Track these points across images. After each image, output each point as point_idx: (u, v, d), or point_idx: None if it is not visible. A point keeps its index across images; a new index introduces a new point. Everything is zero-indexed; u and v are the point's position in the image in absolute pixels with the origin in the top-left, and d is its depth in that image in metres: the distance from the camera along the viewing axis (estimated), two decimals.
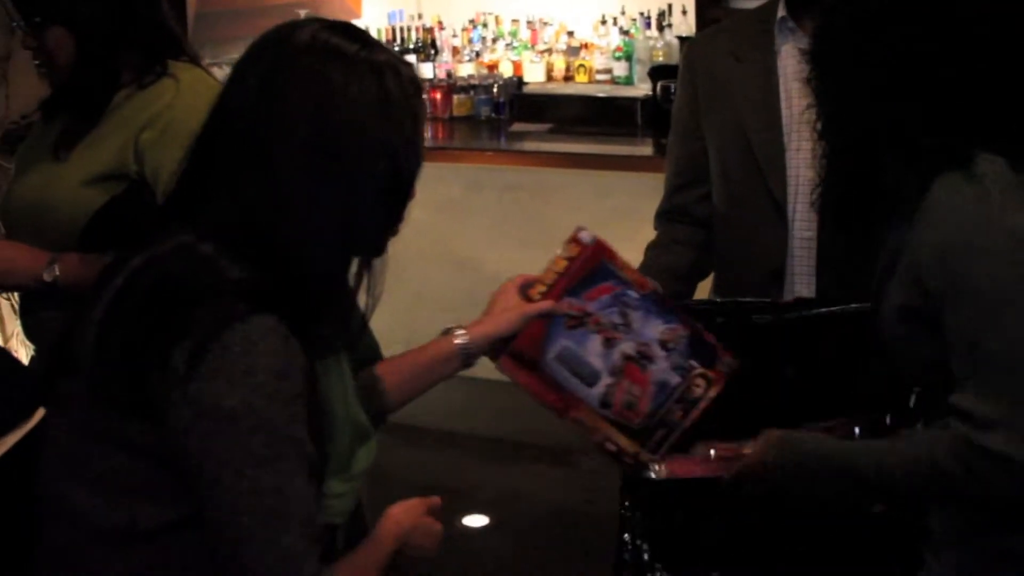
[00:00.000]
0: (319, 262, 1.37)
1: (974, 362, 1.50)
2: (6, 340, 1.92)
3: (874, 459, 1.60)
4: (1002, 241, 1.48)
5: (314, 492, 1.34)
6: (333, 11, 5.41)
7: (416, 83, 1.43)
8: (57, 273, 2.06)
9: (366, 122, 1.36)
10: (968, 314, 1.50)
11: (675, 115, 2.40)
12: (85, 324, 1.38)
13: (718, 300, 2.20)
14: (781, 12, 2.24)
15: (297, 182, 1.34)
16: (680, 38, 4.56)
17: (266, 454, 1.27)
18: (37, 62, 2.14)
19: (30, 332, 2.23)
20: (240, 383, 1.26)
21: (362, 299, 1.50)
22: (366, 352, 1.60)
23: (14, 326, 2.56)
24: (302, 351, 1.32)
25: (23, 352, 3.59)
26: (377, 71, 1.37)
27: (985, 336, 1.49)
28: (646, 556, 1.85)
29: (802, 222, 2.19)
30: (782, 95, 2.23)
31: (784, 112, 2.23)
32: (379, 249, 1.46)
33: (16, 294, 2.48)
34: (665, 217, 2.38)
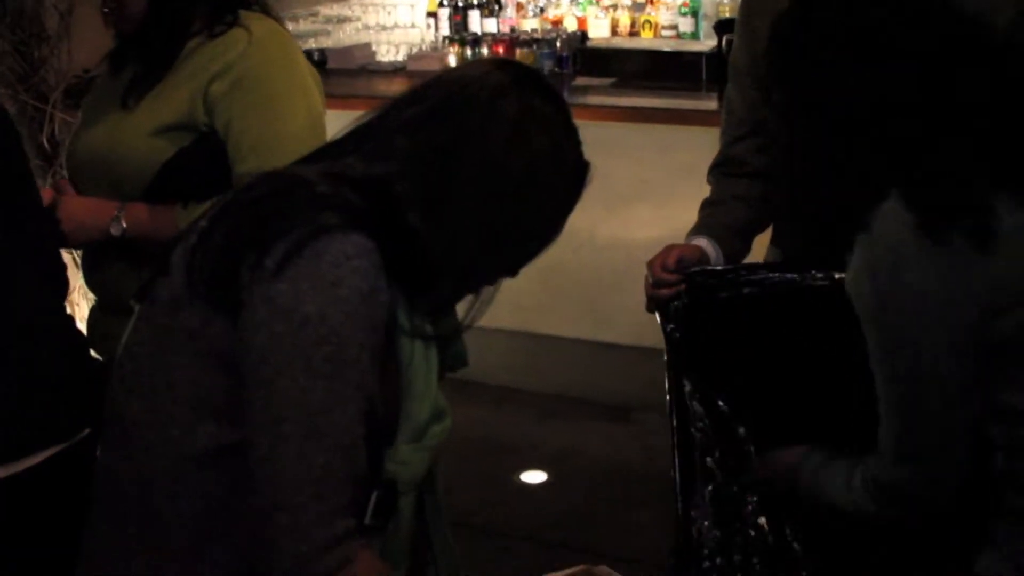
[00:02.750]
0: (444, 241, 1.39)
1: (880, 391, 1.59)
2: (68, 294, 1.90)
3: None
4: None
5: (363, 432, 1.32)
6: None
7: (587, 168, 1.54)
8: (124, 226, 2.06)
9: (558, 180, 1.48)
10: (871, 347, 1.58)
11: (732, 63, 2.35)
12: (190, 233, 1.39)
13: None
14: None
15: (464, 180, 1.39)
16: None
17: (326, 369, 1.27)
18: (106, 9, 2.11)
19: (95, 287, 2.23)
20: (322, 291, 1.26)
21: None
22: (455, 361, 1.60)
23: (77, 280, 2.56)
24: (389, 291, 1.33)
25: (84, 305, 3.63)
26: (563, 146, 1.49)
27: (879, 370, 1.56)
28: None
29: None
30: None
31: None
32: (490, 281, 1.51)
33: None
34: (720, 171, 2.32)
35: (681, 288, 2.03)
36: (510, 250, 1.48)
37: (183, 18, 2.08)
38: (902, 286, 1.50)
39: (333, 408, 1.28)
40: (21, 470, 1.70)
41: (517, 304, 4.58)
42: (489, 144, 1.40)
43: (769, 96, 1.65)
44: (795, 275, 1.94)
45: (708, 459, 1.89)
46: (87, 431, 1.76)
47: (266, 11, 2.19)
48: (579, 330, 4.35)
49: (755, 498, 1.86)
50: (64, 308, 1.85)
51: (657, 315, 2.06)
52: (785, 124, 1.67)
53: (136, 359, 1.41)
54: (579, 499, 3.69)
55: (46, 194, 2.06)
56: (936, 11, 1.55)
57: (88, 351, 1.96)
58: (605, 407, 4.22)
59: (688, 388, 1.93)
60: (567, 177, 1.50)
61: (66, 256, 2.05)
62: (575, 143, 1.51)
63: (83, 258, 2.26)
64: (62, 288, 1.85)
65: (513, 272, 1.53)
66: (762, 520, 1.85)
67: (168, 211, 2.05)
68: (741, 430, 1.90)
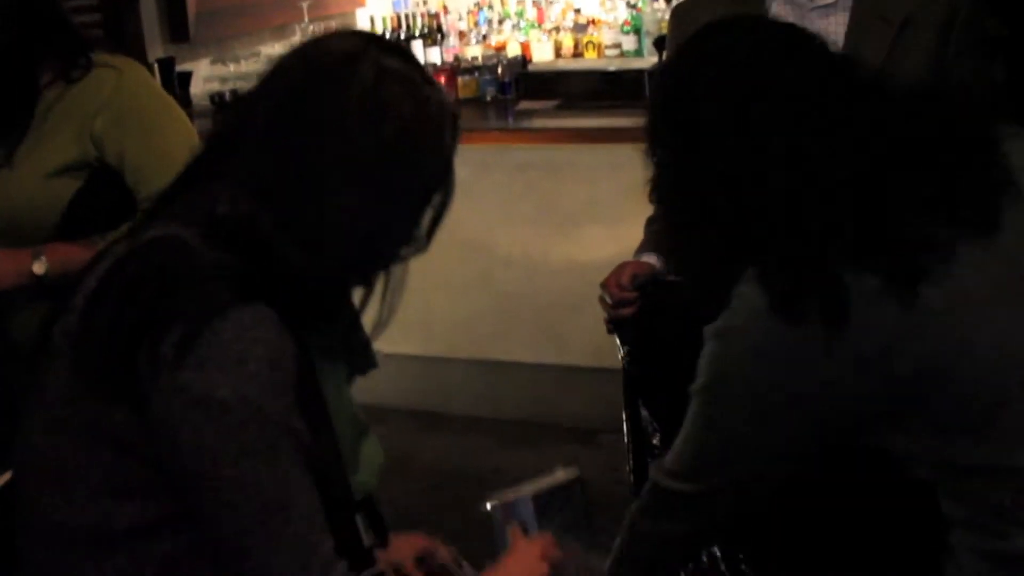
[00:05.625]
0: (328, 260, 1.36)
1: None
2: None
3: None
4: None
5: (312, 482, 1.30)
6: (338, 1, 5.37)
7: (457, 115, 1.46)
8: (47, 262, 2.07)
9: (416, 142, 1.38)
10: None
11: None
12: (68, 312, 1.35)
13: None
14: None
15: (334, 181, 1.34)
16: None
17: (261, 446, 1.24)
18: None
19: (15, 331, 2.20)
20: (231, 371, 1.23)
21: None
22: (366, 364, 1.59)
23: None
24: (293, 342, 1.29)
25: None
26: (430, 99, 1.40)
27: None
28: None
29: None
30: None
31: None
32: (395, 260, 1.45)
33: None
34: None
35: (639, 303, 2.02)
36: (403, 223, 1.43)
37: (30, 73, 2.14)
38: (750, 360, 1.48)
39: (281, 477, 1.26)
40: None
41: (474, 333, 4.55)
42: (351, 127, 1.34)
43: (651, 153, 1.62)
44: None
45: None
46: None
47: (111, 51, 2.27)
48: (539, 355, 4.33)
49: None
50: None
51: (616, 337, 2.05)
52: (664, 182, 1.64)
53: (37, 450, 1.36)
54: None
55: None
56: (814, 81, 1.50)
57: None
58: (570, 431, 4.18)
59: (644, 413, 1.90)
60: (438, 130, 1.42)
61: None
62: (437, 92, 1.44)
63: None
64: None
65: (418, 243, 1.47)
66: (714, 548, 1.83)
67: (87, 244, 2.06)
68: None
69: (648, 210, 2.32)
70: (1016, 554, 1.46)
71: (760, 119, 1.46)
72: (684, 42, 1.61)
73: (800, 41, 1.54)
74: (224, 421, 1.23)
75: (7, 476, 1.69)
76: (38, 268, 2.07)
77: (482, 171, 4.35)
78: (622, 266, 2.13)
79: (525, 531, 1.68)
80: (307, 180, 1.34)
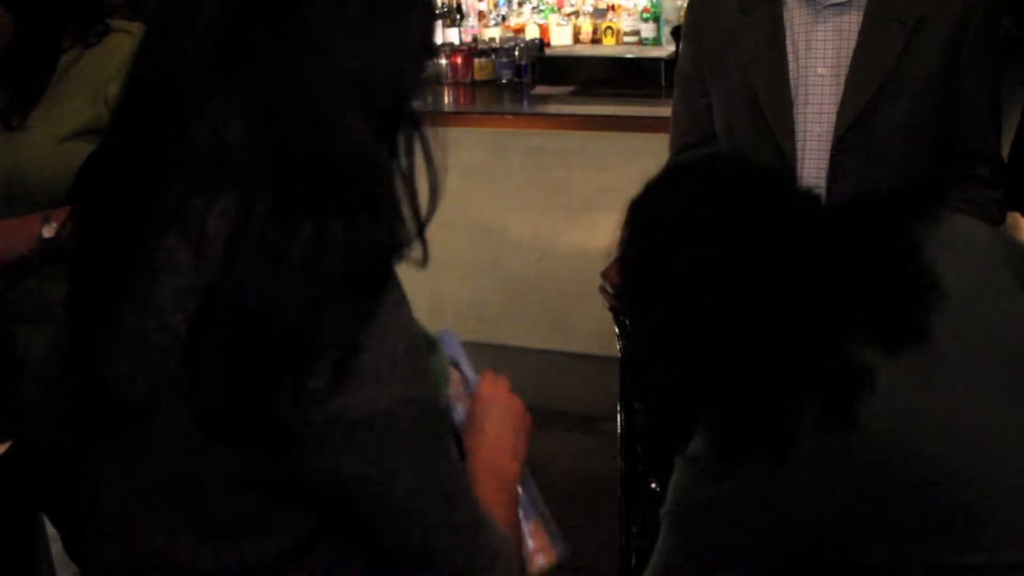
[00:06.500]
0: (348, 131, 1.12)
1: None
2: None
3: None
4: None
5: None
6: None
7: None
8: (56, 227, 2.05)
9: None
10: None
11: (679, 72, 2.35)
12: (117, 344, 1.12)
13: None
14: None
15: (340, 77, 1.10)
16: None
17: (431, 441, 1.14)
18: None
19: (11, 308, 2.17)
20: (387, 379, 1.09)
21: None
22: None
23: None
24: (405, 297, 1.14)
25: None
26: None
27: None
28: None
29: (811, 177, 2.14)
30: (789, 48, 2.17)
31: (791, 65, 2.17)
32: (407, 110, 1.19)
33: None
34: None
35: None
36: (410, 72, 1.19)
37: (53, 36, 2.15)
38: (699, 501, 1.51)
39: (454, 468, 1.17)
40: None
41: (481, 316, 4.55)
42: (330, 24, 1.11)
43: (623, 285, 1.63)
44: None
45: (652, 482, 1.87)
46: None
47: (128, 18, 2.31)
48: (544, 341, 4.32)
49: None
50: None
51: (615, 326, 2.05)
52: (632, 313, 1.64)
53: (132, 498, 1.18)
54: (556, 508, 3.65)
55: None
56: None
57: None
58: (573, 418, 4.18)
59: (639, 407, 1.90)
60: None
61: None
62: None
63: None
64: None
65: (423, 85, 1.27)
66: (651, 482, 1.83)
67: None
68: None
69: None
70: None
71: (689, 264, 1.48)
72: (652, 182, 1.61)
73: (746, 179, 1.55)
74: (391, 432, 1.10)
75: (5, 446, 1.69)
76: (47, 232, 2.06)
77: (495, 155, 4.35)
78: None
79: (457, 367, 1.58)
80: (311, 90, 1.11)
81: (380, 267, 1.11)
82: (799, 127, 2.16)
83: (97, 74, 2.14)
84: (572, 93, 4.56)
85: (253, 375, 1.05)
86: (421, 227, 1.17)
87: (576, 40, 5.10)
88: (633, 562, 1.85)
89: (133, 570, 1.21)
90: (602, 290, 2.13)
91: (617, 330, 2.05)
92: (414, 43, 1.18)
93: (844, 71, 2.14)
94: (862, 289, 1.46)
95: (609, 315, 2.19)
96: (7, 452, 1.73)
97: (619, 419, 1.95)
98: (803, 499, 1.44)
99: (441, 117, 4.53)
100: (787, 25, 2.18)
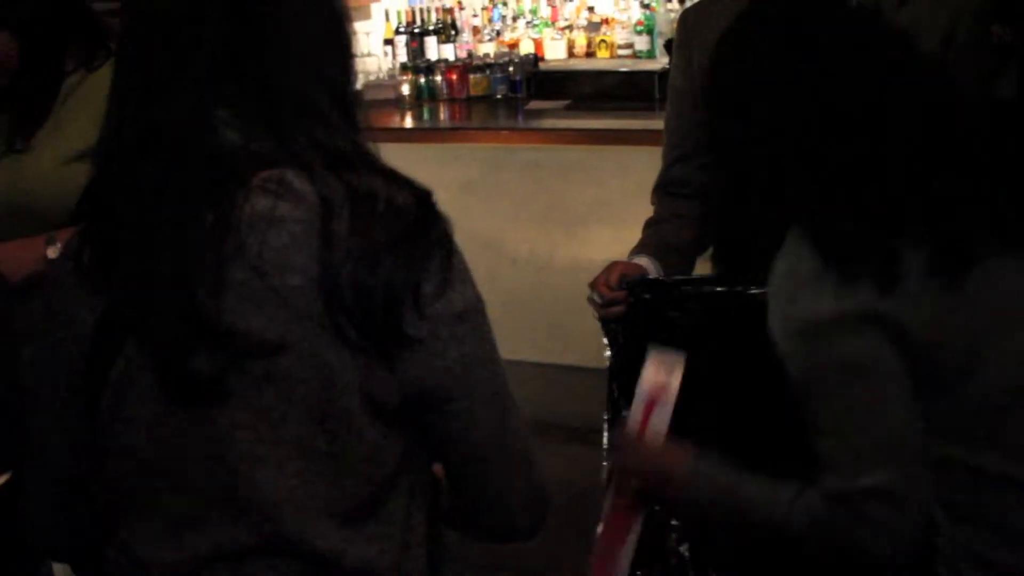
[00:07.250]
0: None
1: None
2: None
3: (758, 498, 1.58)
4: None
5: None
6: None
7: None
8: (60, 245, 2.06)
9: None
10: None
11: (671, 85, 2.36)
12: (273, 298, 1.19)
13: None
14: None
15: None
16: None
17: (493, 336, 1.33)
18: None
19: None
20: (469, 279, 1.29)
21: None
22: None
23: None
24: None
25: None
26: None
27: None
28: None
29: None
30: None
31: None
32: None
33: None
34: (663, 191, 2.33)
35: (630, 302, 2.03)
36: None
37: (58, 60, 2.18)
38: (799, 316, 1.48)
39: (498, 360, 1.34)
40: None
41: None
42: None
43: (709, 120, 1.63)
44: (733, 287, 1.93)
45: None
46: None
47: None
48: (541, 354, 4.33)
49: (677, 525, 1.85)
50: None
51: (604, 336, 2.06)
52: (721, 145, 1.65)
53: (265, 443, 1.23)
54: (547, 524, 3.65)
55: None
56: (875, 44, 1.54)
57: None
58: (570, 430, 4.19)
59: (625, 414, 1.90)
60: None
61: None
62: None
63: None
64: None
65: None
66: (683, 548, 1.83)
67: None
68: None
69: (651, 212, 2.33)
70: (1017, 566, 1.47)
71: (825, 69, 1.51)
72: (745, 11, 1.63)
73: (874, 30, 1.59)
74: (478, 323, 1.29)
75: (7, 476, 1.69)
76: (52, 253, 2.07)
77: (491, 170, 4.36)
78: (612, 266, 2.14)
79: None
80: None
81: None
82: None
83: (101, 97, 2.13)
84: (567, 107, 4.58)
85: (381, 295, 1.19)
86: None
87: (570, 54, 5.12)
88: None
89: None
90: (590, 300, 2.14)
91: (605, 340, 2.05)
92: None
93: None
94: (988, 177, 1.51)
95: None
96: (7, 483, 1.72)
97: (604, 429, 1.95)
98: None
99: (438, 133, 4.55)
100: None
